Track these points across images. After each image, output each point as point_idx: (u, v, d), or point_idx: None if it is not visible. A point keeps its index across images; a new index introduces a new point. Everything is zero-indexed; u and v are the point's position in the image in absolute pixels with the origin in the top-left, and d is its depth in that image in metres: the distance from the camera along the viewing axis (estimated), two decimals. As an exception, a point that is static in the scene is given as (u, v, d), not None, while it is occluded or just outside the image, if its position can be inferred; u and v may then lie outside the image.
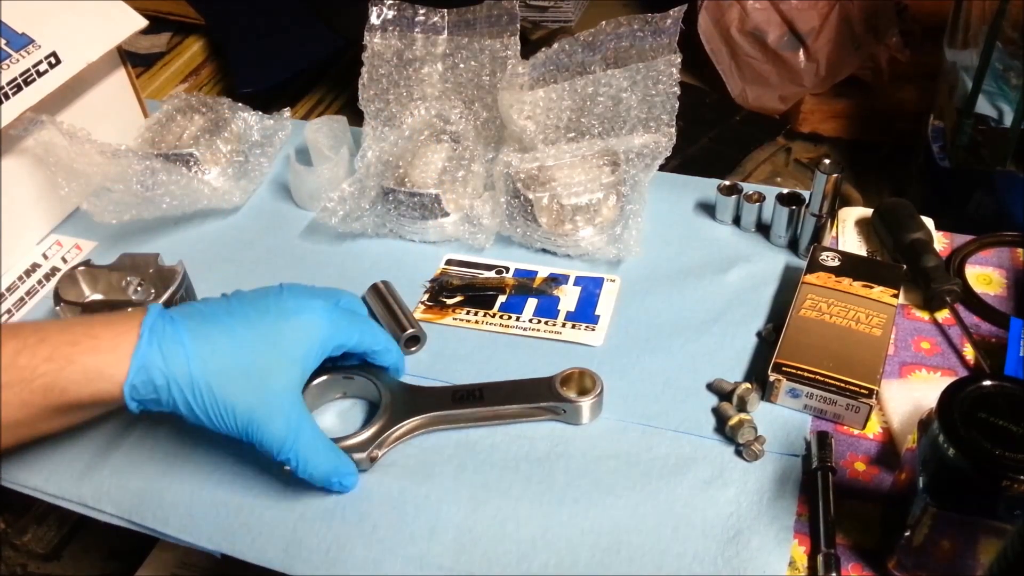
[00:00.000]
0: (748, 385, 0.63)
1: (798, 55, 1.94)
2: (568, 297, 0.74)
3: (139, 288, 0.71)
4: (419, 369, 0.69)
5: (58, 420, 0.55)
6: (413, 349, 0.70)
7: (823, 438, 0.60)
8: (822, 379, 0.62)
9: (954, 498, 0.47)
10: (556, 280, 0.75)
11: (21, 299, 0.78)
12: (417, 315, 0.73)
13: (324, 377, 0.64)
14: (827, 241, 0.75)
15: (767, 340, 0.68)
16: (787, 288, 0.73)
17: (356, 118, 0.89)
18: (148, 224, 0.83)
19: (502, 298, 0.74)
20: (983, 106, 1.44)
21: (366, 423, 0.62)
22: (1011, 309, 0.70)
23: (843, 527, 0.56)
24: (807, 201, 0.74)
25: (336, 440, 0.59)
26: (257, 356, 0.56)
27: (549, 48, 0.79)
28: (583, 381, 0.64)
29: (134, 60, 1.36)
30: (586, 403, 0.63)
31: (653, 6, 0.79)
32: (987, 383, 0.48)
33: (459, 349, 0.70)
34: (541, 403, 0.63)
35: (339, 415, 0.66)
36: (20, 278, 0.80)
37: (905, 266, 0.71)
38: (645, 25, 0.78)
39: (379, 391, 0.63)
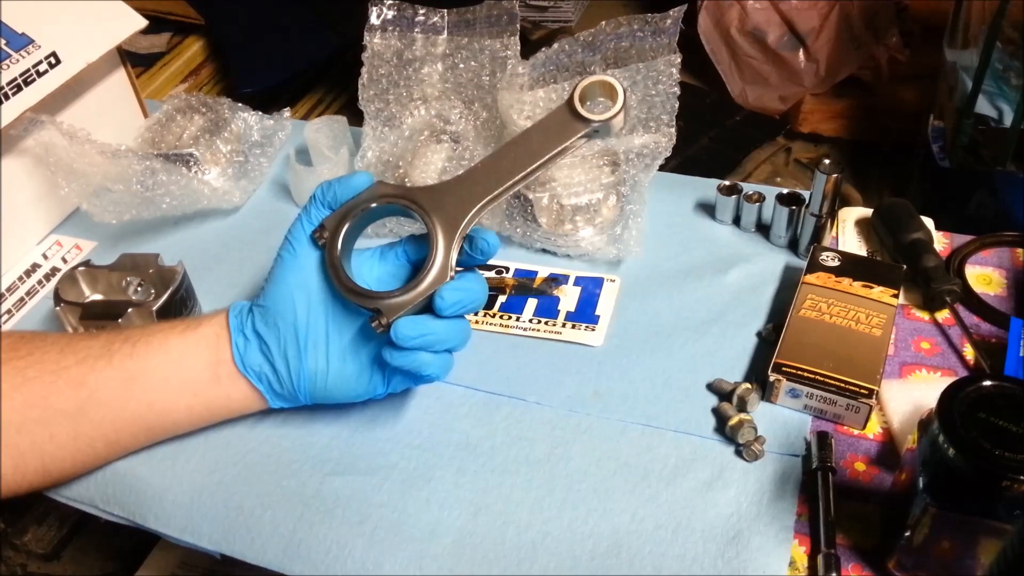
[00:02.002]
0: (748, 385, 0.63)
1: (798, 55, 1.94)
2: (568, 297, 0.74)
3: (139, 288, 0.71)
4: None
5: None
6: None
7: (823, 438, 0.60)
8: (822, 379, 0.62)
9: (954, 498, 0.47)
10: (556, 280, 0.75)
11: (21, 299, 0.78)
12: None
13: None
14: (827, 241, 0.75)
15: (767, 340, 0.68)
16: (787, 288, 0.73)
17: (356, 118, 0.89)
18: (148, 224, 0.83)
19: (502, 298, 0.74)
20: (983, 106, 1.44)
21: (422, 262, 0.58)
22: (1011, 309, 0.70)
23: (843, 527, 0.56)
24: (807, 201, 0.74)
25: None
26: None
27: (549, 48, 0.79)
28: (604, 90, 0.57)
29: (134, 60, 1.36)
30: (617, 114, 0.56)
31: (653, 6, 0.79)
32: (987, 383, 0.48)
33: (459, 349, 0.70)
34: (572, 138, 0.57)
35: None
36: (20, 278, 0.80)
37: (905, 266, 0.71)
38: (645, 25, 0.78)
39: (422, 219, 0.58)
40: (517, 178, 0.58)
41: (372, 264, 0.61)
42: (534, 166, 0.58)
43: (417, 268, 0.60)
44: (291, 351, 0.58)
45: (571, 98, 0.57)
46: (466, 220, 0.57)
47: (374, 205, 0.58)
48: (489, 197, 0.58)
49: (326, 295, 0.59)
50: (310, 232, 0.58)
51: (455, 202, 0.57)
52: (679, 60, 0.79)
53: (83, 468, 0.61)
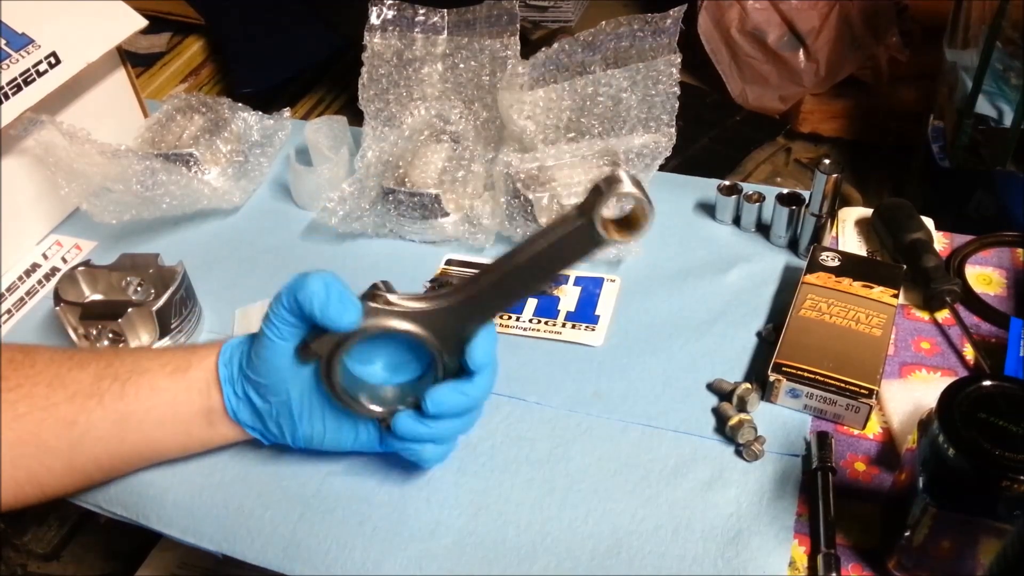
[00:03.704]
0: (748, 385, 0.63)
1: (798, 55, 1.94)
2: (568, 297, 0.74)
3: (139, 288, 0.71)
4: (419, 369, 0.68)
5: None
6: None
7: (823, 438, 0.60)
8: (822, 379, 0.62)
9: (954, 498, 0.47)
10: (556, 280, 0.75)
11: (21, 299, 0.78)
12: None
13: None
14: (827, 241, 0.75)
15: (767, 340, 0.68)
16: (787, 288, 0.73)
17: (356, 118, 0.89)
18: (148, 224, 0.83)
19: (502, 298, 0.74)
20: (983, 106, 1.44)
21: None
22: (1011, 309, 0.70)
23: (843, 527, 0.56)
24: (807, 201, 0.74)
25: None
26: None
27: (549, 48, 0.79)
28: (632, 213, 0.49)
29: (134, 60, 1.36)
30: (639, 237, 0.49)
31: (653, 6, 0.79)
32: (987, 383, 0.48)
33: (459, 349, 0.70)
34: (589, 254, 0.50)
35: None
36: (20, 278, 0.80)
37: (905, 266, 0.71)
38: (645, 25, 0.78)
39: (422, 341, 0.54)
40: (524, 294, 0.54)
41: (383, 350, 0.58)
42: (543, 283, 0.54)
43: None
44: (284, 421, 0.57)
45: (593, 227, 0.48)
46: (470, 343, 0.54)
47: (372, 334, 0.53)
48: (494, 317, 0.54)
49: (319, 374, 0.56)
50: (293, 335, 0.54)
51: (460, 327, 0.54)
52: (679, 60, 0.79)
53: (81, 489, 0.61)
